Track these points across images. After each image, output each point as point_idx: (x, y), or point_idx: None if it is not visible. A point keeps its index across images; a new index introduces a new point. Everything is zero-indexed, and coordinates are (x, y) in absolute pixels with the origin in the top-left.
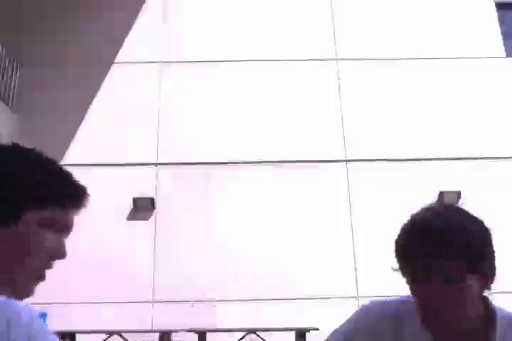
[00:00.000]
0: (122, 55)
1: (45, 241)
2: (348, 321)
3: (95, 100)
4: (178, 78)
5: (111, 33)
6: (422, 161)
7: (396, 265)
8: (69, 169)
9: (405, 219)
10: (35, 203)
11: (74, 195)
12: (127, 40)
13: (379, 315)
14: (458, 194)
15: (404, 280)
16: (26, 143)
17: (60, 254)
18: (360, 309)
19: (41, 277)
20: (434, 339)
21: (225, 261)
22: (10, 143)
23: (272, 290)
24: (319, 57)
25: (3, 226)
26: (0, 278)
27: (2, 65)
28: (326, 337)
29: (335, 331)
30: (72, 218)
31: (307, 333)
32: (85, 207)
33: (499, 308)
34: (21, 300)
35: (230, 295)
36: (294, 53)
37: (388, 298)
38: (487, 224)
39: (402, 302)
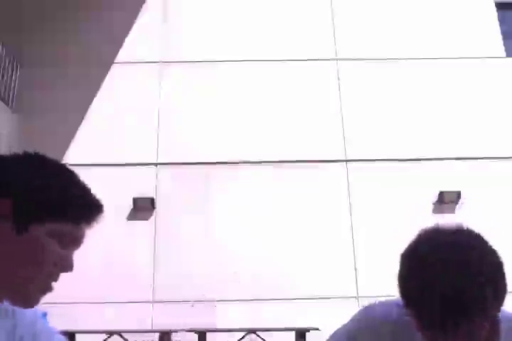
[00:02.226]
0: (122, 55)
1: (49, 254)
2: (352, 320)
3: (95, 100)
4: (178, 78)
5: (111, 33)
6: (422, 161)
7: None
8: None
9: (407, 242)
10: (42, 214)
11: (82, 205)
12: (127, 40)
13: (382, 317)
14: (458, 194)
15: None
16: (26, 143)
17: (66, 267)
18: (364, 309)
19: (48, 288)
20: None
21: (225, 261)
22: (18, 152)
23: (272, 290)
24: (319, 57)
25: (10, 235)
26: (4, 285)
27: (2, 65)
28: (327, 337)
29: (337, 331)
30: (82, 230)
31: (307, 333)
32: (97, 221)
33: (501, 310)
34: (24, 308)
35: (230, 295)
36: (294, 53)
37: (391, 300)
38: (498, 252)
39: (401, 305)
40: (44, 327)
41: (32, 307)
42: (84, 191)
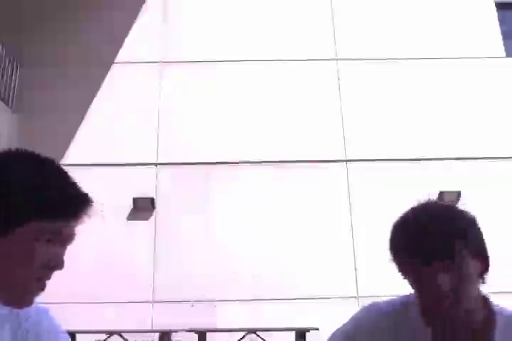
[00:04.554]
0: (122, 55)
1: (42, 252)
2: (350, 320)
3: (95, 100)
4: (178, 78)
5: (111, 33)
6: (422, 161)
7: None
8: (69, 169)
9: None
10: (34, 212)
11: (73, 204)
12: (127, 40)
13: (380, 314)
14: (458, 194)
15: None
16: (26, 143)
17: (58, 265)
18: (362, 308)
19: (41, 287)
20: (434, 337)
21: (225, 261)
22: (11, 149)
23: (272, 290)
24: (319, 57)
25: (2, 235)
26: None
27: (2, 65)
28: (326, 338)
29: (335, 332)
30: (73, 228)
31: (307, 333)
32: (87, 215)
33: (499, 307)
34: (19, 308)
35: (230, 295)
36: (294, 53)
37: (389, 298)
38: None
39: (402, 301)
40: (49, 326)
41: (24, 306)
42: (75, 189)
